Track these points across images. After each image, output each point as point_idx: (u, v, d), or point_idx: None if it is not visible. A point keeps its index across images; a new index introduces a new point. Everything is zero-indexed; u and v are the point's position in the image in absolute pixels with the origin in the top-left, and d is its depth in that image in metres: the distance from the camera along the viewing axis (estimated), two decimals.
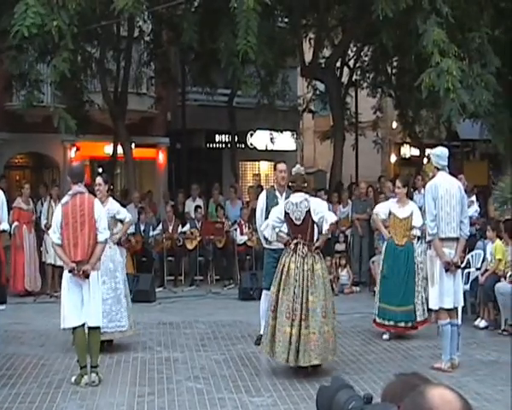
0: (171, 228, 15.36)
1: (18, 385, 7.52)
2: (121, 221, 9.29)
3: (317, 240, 7.98)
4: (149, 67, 20.04)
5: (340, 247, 14.99)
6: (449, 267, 7.81)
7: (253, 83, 16.19)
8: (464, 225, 8.02)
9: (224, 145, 23.76)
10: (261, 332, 8.79)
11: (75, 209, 7.48)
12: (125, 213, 9.38)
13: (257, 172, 24.39)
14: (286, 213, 7.96)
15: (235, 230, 15.45)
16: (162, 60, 19.29)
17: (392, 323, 9.64)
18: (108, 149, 19.97)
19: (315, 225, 7.92)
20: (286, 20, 18.42)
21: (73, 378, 7.55)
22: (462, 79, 12.14)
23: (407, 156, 28.42)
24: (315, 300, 7.64)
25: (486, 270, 10.70)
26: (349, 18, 17.73)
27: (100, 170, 20.19)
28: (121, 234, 9.41)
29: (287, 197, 8.60)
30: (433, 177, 8.11)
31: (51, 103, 15.18)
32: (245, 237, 15.28)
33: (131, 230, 14.81)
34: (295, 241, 7.86)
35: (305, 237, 7.86)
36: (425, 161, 20.53)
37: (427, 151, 19.37)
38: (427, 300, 9.47)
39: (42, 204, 14.53)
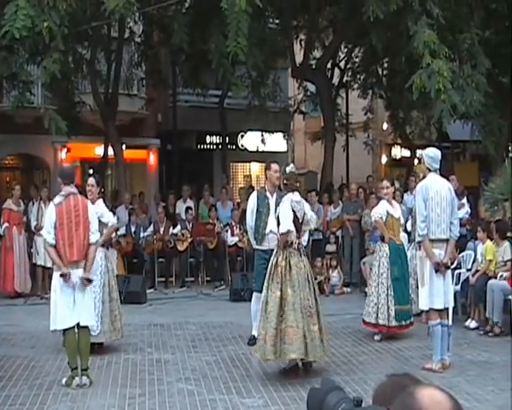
0: (162, 229, 15.30)
1: (8, 387, 7.50)
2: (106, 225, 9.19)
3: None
4: (140, 69, 19.98)
5: (330, 248, 15.00)
6: (439, 268, 7.83)
7: (243, 84, 16.17)
8: (454, 226, 8.05)
9: (214, 146, 23.71)
10: (253, 333, 8.78)
11: (70, 210, 7.47)
12: (110, 218, 9.27)
13: (248, 174, 24.32)
14: (293, 212, 7.97)
15: (227, 231, 15.44)
16: (153, 61, 19.22)
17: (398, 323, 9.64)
18: (99, 150, 19.92)
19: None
20: (277, 21, 18.42)
21: (64, 380, 7.53)
22: (452, 80, 12.18)
23: (398, 157, 28.46)
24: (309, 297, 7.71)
25: (477, 271, 10.72)
26: (340, 19, 17.75)
27: (91, 171, 20.14)
28: (104, 238, 9.02)
29: (277, 198, 8.60)
30: (423, 178, 8.14)
31: (42, 104, 15.15)
32: (236, 239, 15.28)
33: (122, 231, 14.82)
34: (298, 240, 7.89)
35: (298, 236, 7.92)
36: (416, 162, 20.62)
37: (418, 152, 19.50)
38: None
39: (33, 205, 14.48)
